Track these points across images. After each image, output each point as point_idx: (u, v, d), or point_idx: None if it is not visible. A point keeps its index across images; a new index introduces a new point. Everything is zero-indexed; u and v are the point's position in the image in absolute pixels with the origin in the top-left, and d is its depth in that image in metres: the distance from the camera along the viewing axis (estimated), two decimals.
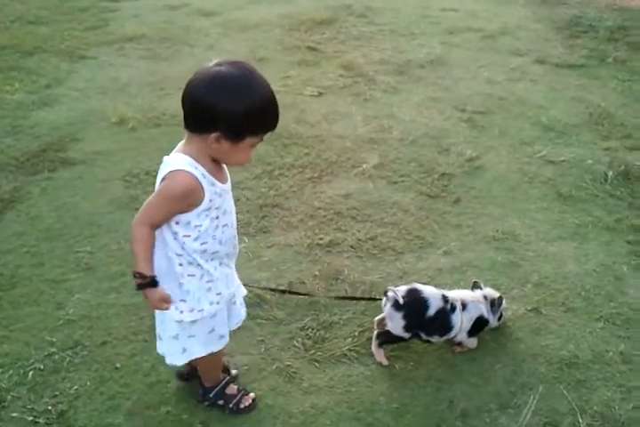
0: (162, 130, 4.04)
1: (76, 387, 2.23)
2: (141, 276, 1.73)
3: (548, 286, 2.81)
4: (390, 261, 2.96)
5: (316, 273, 2.85)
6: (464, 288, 2.56)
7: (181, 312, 1.87)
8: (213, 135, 1.62)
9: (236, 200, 3.33)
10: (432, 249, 3.05)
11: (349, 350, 2.42)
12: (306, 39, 5.81)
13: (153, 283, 1.75)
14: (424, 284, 2.48)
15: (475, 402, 2.21)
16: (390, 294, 2.36)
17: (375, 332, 2.43)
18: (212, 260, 1.85)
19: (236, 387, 2.20)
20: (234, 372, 2.29)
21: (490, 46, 5.82)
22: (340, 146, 3.99)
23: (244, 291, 2.14)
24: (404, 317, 2.32)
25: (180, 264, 1.80)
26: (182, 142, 1.73)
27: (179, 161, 1.67)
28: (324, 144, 4.00)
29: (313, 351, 2.41)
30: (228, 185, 1.83)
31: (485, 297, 2.45)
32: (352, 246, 3.05)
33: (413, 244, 3.09)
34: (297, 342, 2.45)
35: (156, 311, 1.92)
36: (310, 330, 2.51)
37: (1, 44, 5.52)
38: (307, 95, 4.70)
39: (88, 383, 2.25)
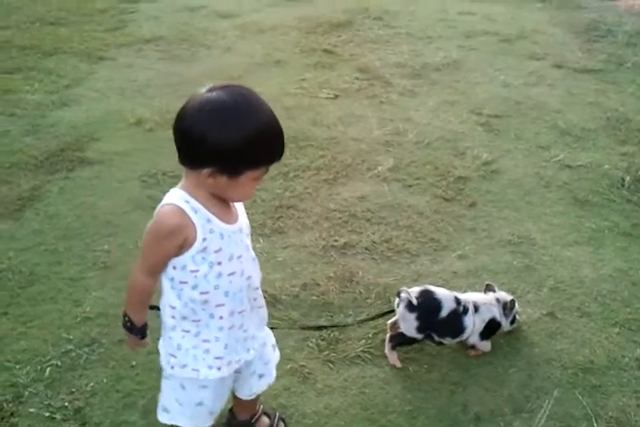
0: None
1: (92, 384, 2.26)
2: (130, 322, 1.65)
3: (563, 290, 2.80)
4: (405, 263, 2.97)
5: (331, 275, 2.86)
6: (478, 292, 2.56)
7: (172, 367, 1.68)
8: (206, 171, 1.42)
9: (252, 201, 3.40)
10: (447, 252, 3.05)
11: (363, 351, 2.42)
12: (322, 42, 5.83)
13: (142, 334, 1.68)
14: (438, 286, 2.48)
15: (489, 406, 2.21)
16: (403, 295, 2.36)
17: (388, 335, 2.43)
18: (220, 318, 1.60)
19: None
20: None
21: (507, 50, 5.80)
22: (356, 148, 4.00)
23: (273, 358, 1.90)
24: (417, 318, 2.32)
25: (173, 317, 1.61)
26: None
27: (171, 195, 1.50)
28: (339, 146, 4.01)
29: (327, 352, 2.42)
30: (239, 226, 1.59)
31: (498, 300, 2.45)
32: (367, 248, 3.06)
33: (428, 247, 3.09)
34: (311, 342, 2.46)
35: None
36: (324, 331, 2.52)
37: (21, 45, 5.59)
38: (322, 98, 4.71)
39: (104, 381, 2.27)
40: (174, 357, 1.66)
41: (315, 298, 2.71)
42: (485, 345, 2.43)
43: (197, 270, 1.52)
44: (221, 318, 1.60)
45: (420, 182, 3.65)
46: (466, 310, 2.37)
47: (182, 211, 1.46)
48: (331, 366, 2.37)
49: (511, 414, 2.18)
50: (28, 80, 4.89)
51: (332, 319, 2.59)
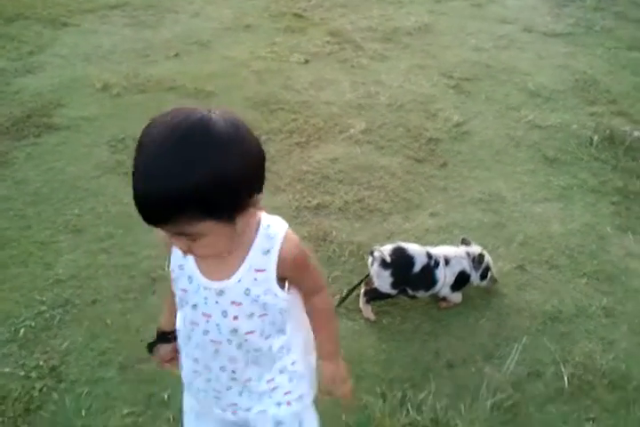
0: (147, 96, 4.00)
1: (67, 343, 2.25)
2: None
3: (533, 245, 2.86)
4: (377, 222, 2.99)
5: (305, 235, 2.86)
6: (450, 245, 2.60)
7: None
8: None
9: None
10: (419, 211, 3.08)
11: (337, 306, 2.45)
12: (292, 6, 5.73)
13: (160, 337, 1.48)
14: (410, 243, 2.51)
15: (460, 353, 2.27)
16: (376, 253, 2.38)
17: (362, 289, 2.46)
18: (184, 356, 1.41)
19: None
20: None
21: (478, 14, 5.78)
22: (328, 112, 3.97)
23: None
24: (392, 274, 2.36)
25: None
26: None
27: None
28: (311, 110, 3.98)
29: None
30: (220, 287, 1.24)
31: (468, 253, 2.50)
32: (340, 209, 3.07)
33: (400, 206, 3.11)
34: None
35: None
36: None
37: None
38: (293, 62, 4.65)
39: (79, 340, 2.27)
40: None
41: None
42: (456, 297, 2.48)
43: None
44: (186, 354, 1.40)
45: (391, 144, 3.66)
46: (437, 264, 2.41)
47: None
48: None
49: (482, 360, 2.24)
50: None
51: None
